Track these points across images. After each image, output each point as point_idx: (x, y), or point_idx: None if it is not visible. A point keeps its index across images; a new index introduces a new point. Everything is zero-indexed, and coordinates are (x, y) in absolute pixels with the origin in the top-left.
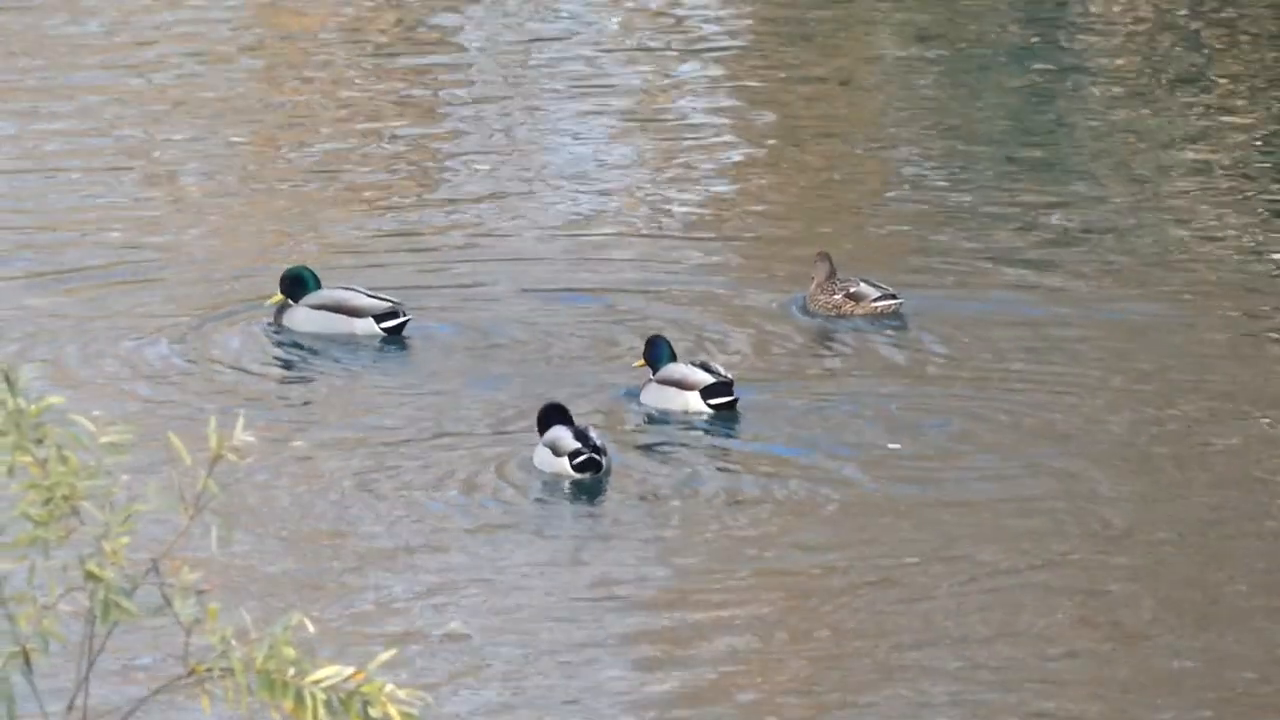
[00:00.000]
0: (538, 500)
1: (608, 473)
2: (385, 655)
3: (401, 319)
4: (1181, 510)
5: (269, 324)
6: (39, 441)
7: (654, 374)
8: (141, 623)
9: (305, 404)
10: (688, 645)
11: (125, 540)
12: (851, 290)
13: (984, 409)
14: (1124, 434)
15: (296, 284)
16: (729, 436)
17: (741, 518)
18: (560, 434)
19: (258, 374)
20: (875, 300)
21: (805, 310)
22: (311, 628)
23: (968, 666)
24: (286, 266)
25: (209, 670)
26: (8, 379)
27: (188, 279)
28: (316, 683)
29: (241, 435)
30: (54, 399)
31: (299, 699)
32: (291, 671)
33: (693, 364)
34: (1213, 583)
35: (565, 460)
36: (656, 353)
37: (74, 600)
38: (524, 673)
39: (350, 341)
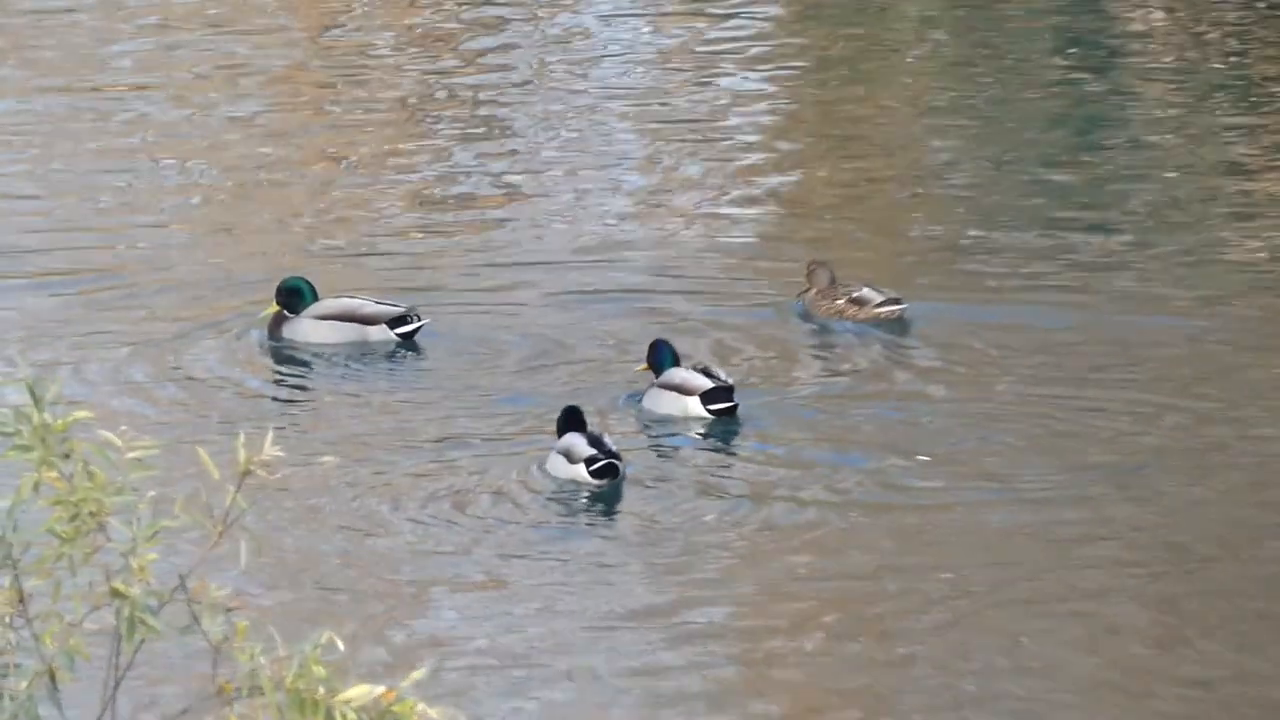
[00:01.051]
0: (556, 513)
1: (623, 479)
2: (417, 674)
3: (416, 324)
4: (1234, 529)
5: (265, 337)
6: (65, 456)
7: (656, 377)
8: (170, 641)
9: (313, 417)
10: (709, 669)
11: (153, 556)
12: (854, 295)
13: (1003, 418)
14: (1164, 449)
15: (294, 295)
16: (737, 445)
17: (762, 537)
18: (574, 440)
19: (263, 388)
20: (879, 305)
21: (806, 316)
22: (342, 646)
23: (1009, 699)
24: (284, 277)
25: (238, 689)
26: (33, 393)
27: (199, 286)
28: (347, 702)
29: (270, 450)
30: (81, 413)
31: (329, 718)
32: (322, 690)
33: (694, 369)
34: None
35: (581, 467)
36: (659, 357)
37: (100, 618)
38: (553, 694)
39: (360, 350)
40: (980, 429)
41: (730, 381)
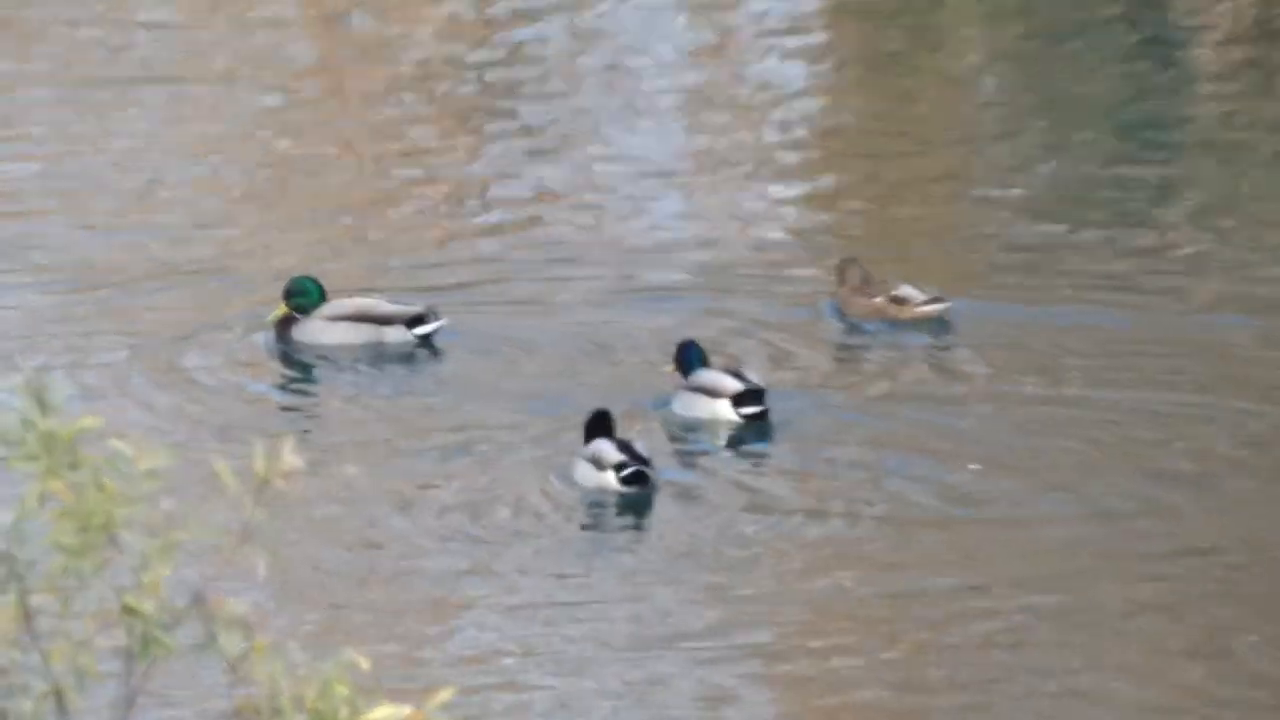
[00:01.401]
0: (583, 526)
1: (655, 487)
2: (445, 694)
3: (434, 323)
4: None
5: (273, 340)
6: (73, 466)
7: (685, 379)
8: (185, 659)
9: (326, 424)
10: (748, 693)
11: (165, 571)
12: (895, 293)
13: (1059, 424)
14: (1238, 458)
15: (304, 295)
16: (770, 452)
17: (803, 552)
18: (602, 446)
19: (274, 394)
20: (922, 304)
21: (840, 316)
22: (366, 665)
23: None
24: (292, 276)
25: (257, 710)
26: (39, 399)
27: (203, 286)
28: None
29: (290, 460)
30: (90, 420)
31: None
32: (345, 711)
33: (724, 370)
34: None
35: (610, 474)
36: (687, 358)
37: (111, 635)
38: (583, 718)
39: (376, 352)
40: (1035, 436)
41: (761, 384)
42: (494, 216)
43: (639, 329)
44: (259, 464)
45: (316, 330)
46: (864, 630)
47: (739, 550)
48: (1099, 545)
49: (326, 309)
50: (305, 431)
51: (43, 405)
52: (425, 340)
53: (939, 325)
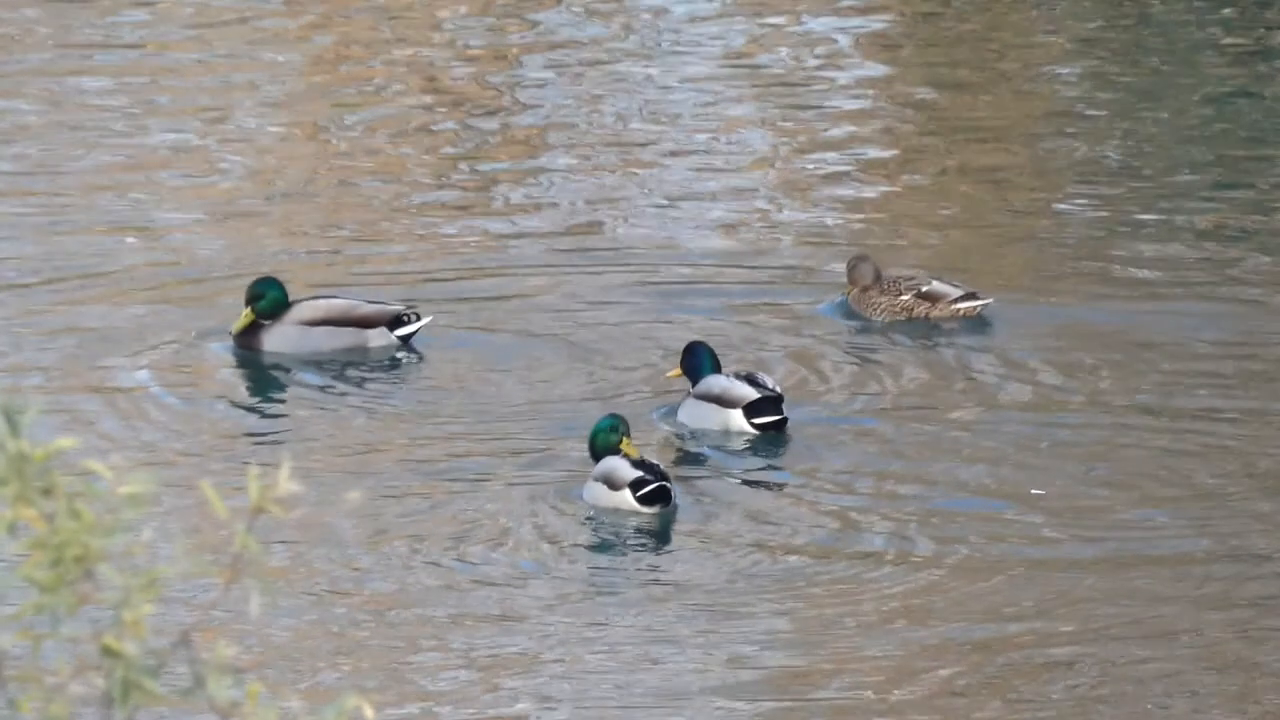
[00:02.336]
0: (584, 560)
1: (676, 507)
2: None
3: (416, 324)
4: None
5: (235, 348)
6: (46, 492)
7: (693, 386)
8: (170, 706)
9: (303, 441)
10: None
11: (149, 609)
12: (924, 289)
13: (1137, 442)
14: None
15: (269, 299)
16: (791, 470)
17: (842, 591)
18: (615, 463)
19: (246, 411)
20: (956, 301)
21: (850, 316)
22: (371, 713)
23: None
24: (255, 279)
25: None
26: (9, 418)
27: (164, 290)
28: None
29: (287, 484)
30: (65, 442)
31: None
32: None
33: (737, 376)
34: None
35: (626, 493)
36: (696, 362)
37: (88, 680)
38: None
39: (355, 358)
40: (1107, 455)
41: (779, 391)
42: (490, 210)
43: (643, 330)
44: (252, 490)
45: (292, 337)
46: (912, 687)
47: (764, 591)
48: (1186, 592)
49: (299, 312)
50: (286, 452)
51: (12, 424)
52: (405, 341)
53: (973, 325)
